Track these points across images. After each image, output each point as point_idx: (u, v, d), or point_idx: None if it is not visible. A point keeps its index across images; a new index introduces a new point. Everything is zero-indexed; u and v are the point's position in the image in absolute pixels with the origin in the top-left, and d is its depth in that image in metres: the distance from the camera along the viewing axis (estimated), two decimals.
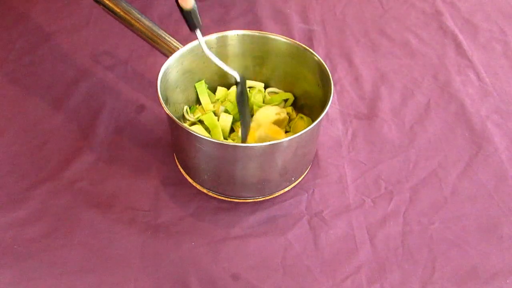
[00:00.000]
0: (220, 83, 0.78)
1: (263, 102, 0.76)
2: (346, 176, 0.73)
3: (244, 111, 0.68)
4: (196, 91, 0.76)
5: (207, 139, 0.60)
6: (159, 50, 0.71)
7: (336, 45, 0.95)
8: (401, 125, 0.80)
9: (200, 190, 0.70)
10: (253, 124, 0.71)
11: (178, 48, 0.69)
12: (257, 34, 0.73)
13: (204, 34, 0.70)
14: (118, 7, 0.70)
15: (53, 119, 0.79)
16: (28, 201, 0.68)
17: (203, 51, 0.71)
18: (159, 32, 0.70)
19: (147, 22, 0.70)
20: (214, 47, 0.73)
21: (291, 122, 0.74)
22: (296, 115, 0.75)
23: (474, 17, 1.02)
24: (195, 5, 0.58)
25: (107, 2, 0.69)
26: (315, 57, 0.69)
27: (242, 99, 0.67)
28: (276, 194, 0.70)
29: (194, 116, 0.74)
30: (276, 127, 0.71)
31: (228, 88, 0.78)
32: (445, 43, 0.96)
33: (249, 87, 0.78)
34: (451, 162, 0.75)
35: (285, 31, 0.96)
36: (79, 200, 0.69)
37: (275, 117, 0.72)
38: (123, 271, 0.62)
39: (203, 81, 0.76)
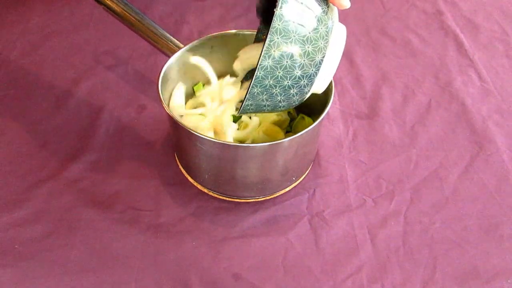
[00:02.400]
0: None
1: None
2: (347, 176, 0.73)
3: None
4: None
5: (208, 139, 0.60)
6: (160, 50, 0.71)
7: None
8: (402, 124, 0.80)
9: (201, 190, 0.70)
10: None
11: (179, 48, 0.69)
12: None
13: (204, 33, 0.70)
14: (119, 7, 0.69)
15: (54, 119, 0.79)
16: (28, 201, 0.68)
17: (204, 51, 0.72)
18: (160, 32, 0.70)
19: (148, 22, 0.70)
20: (215, 47, 0.73)
21: (292, 122, 0.74)
22: (297, 115, 0.75)
23: (475, 16, 1.02)
24: None
25: (108, 2, 0.69)
26: None
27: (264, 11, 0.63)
28: (277, 194, 0.70)
29: None
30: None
31: None
32: (446, 43, 0.96)
33: None
34: (452, 162, 0.75)
35: None
36: (80, 200, 0.69)
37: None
38: (123, 271, 0.62)
39: (200, 83, 0.76)
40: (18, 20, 0.96)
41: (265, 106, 0.59)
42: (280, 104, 0.59)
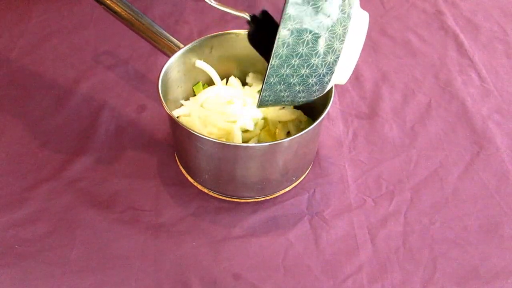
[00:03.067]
0: None
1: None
2: (347, 175, 0.73)
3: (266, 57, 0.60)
4: None
5: (207, 139, 0.60)
6: (160, 50, 0.71)
7: None
8: (402, 124, 0.80)
9: (201, 190, 0.70)
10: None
11: (179, 48, 0.69)
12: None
13: (204, 33, 0.70)
14: (119, 7, 0.69)
15: (54, 119, 0.79)
16: (28, 201, 0.68)
17: (204, 51, 0.72)
18: (160, 31, 0.70)
19: (148, 22, 0.70)
20: (215, 47, 0.73)
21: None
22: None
23: (475, 16, 1.02)
24: None
25: (108, 2, 0.69)
26: None
27: (256, 40, 0.61)
28: (277, 194, 0.70)
29: None
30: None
31: None
32: (446, 43, 0.96)
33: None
34: (452, 162, 0.75)
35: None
36: (80, 200, 0.69)
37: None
38: (123, 271, 0.62)
39: (200, 82, 0.76)
40: (18, 20, 0.96)
41: (284, 97, 0.57)
42: (300, 95, 0.57)
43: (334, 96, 0.64)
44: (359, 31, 0.54)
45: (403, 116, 0.82)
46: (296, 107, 0.75)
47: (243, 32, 0.72)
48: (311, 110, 0.74)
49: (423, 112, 0.82)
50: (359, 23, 0.54)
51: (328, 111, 0.63)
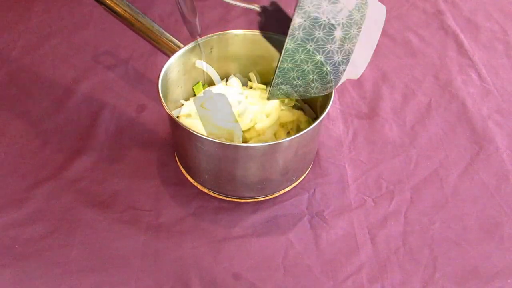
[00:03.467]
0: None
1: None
2: (347, 175, 0.73)
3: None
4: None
5: (208, 139, 0.60)
6: (160, 50, 0.71)
7: None
8: (402, 124, 0.80)
9: (201, 190, 0.70)
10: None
11: (179, 48, 0.69)
12: (258, 33, 0.72)
13: (204, 33, 0.70)
14: (119, 7, 0.69)
15: (54, 119, 0.79)
16: (28, 201, 0.68)
17: (202, 53, 0.72)
18: (160, 31, 0.70)
19: (148, 22, 0.70)
20: (215, 47, 0.73)
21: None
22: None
23: (475, 16, 1.02)
24: None
25: (108, 1, 0.69)
26: None
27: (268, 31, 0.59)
28: (277, 194, 0.70)
29: None
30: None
31: None
32: (447, 43, 0.96)
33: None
34: (452, 161, 0.75)
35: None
36: (80, 200, 0.69)
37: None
38: (124, 271, 0.62)
39: (200, 82, 0.76)
40: (18, 20, 0.96)
41: (296, 86, 0.55)
42: (313, 85, 0.55)
43: (334, 96, 0.64)
44: (377, 20, 0.52)
45: (403, 116, 0.82)
46: (296, 107, 0.75)
47: (243, 32, 0.73)
48: (311, 110, 0.74)
49: (423, 112, 0.82)
50: (377, 11, 0.52)
51: (328, 111, 0.63)
